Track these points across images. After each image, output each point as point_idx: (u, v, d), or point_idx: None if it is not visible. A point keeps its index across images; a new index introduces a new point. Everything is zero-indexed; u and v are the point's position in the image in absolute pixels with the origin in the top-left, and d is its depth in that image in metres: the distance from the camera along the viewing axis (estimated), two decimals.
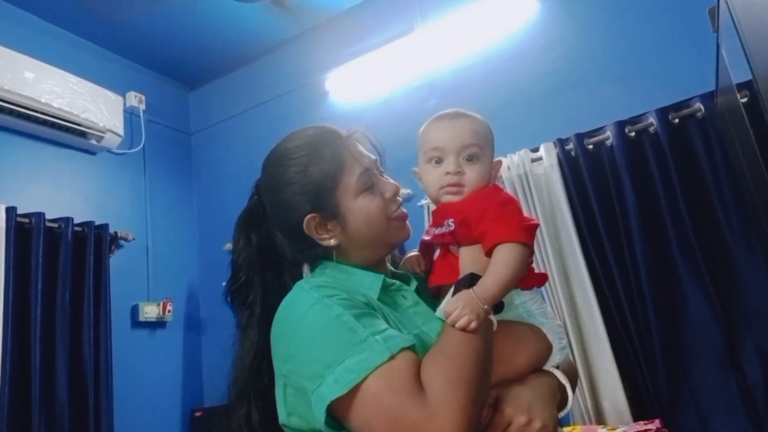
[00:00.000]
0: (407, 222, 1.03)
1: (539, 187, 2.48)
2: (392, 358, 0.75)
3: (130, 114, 3.22)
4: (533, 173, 2.49)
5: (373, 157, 1.04)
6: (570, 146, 2.43)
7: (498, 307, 0.87)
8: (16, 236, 2.44)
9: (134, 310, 3.00)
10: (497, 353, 0.83)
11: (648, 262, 2.20)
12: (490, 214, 0.90)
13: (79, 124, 2.82)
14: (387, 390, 0.73)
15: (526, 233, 0.88)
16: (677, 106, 2.25)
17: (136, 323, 3.00)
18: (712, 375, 2.06)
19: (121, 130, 3.03)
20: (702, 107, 2.18)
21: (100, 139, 2.95)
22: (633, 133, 2.31)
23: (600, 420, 2.19)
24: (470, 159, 0.96)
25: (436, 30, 2.94)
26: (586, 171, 2.37)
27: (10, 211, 2.45)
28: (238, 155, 3.53)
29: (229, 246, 3.24)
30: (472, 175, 0.96)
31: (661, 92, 2.32)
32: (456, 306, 0.80)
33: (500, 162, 1.03)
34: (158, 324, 3.11)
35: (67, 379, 2.47)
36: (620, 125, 2.33)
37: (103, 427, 2.54)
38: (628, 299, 2.23)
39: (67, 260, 2.62)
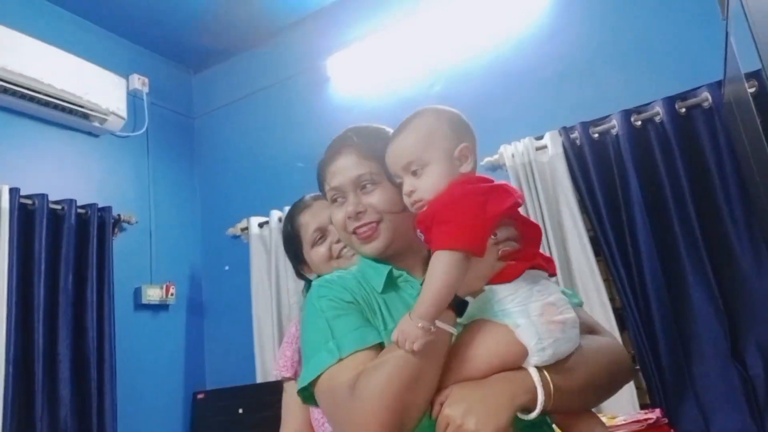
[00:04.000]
0: (372, 235, 1.02)
1: (543, 175, 2.46)
2: (340, 360, 0.88)
3: (133, 97, 3.21)
4: (537, 162, 2.48)
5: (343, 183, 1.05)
6: (575, 135, 2.41)
7: (460, 307, 0.89)
8: (19, 217, 2.45)
9: (137, 293, 3.01)
10: (459, 352, 0.88)
11: (652, 253, 2.20)
12: (435, 219, 0.88)
13: (81, 106, 2.81)
14: (329, 388, 0.89)
15: (456, 238, 0.84)
16: (684, 96, 2.23)
17: (139, 306, 3.01)
18: (714, 366, 2.07)
19: (124, 113, 3.02)
20: (709, 97, 2.16)
21: (103, 121, 2.94)
22: (639, 123, 2.29)
23: (600, 409, 2.20)
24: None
25: (441, 15, 2.91)
26: (591, 160, 2.36)
27: (14, 192, 2.45)
28: (240, 140, 3.52)
29: (232, 231, 3.27)
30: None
31: (668, 81, 2.30)
32: (398, 332, 0.84)
33: (465, 146, 0.95)
34: (161, 307, 3.12)
35: (70, 361, 2.49)
36: (626, 114, 2.31)
37: (107, 409, 2.56)
38: (631, 289, 2.23)
39: (70, 242, 2.63)
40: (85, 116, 2.87)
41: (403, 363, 0.83)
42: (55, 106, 2.73)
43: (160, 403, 2.97)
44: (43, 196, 2.56)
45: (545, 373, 0.86)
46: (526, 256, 0.92)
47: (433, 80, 2.90)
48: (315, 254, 1.49)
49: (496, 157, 2.58)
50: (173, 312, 3.18)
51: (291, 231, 1.55)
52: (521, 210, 0.98)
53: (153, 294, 3.04)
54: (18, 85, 2.54)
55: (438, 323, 0.84)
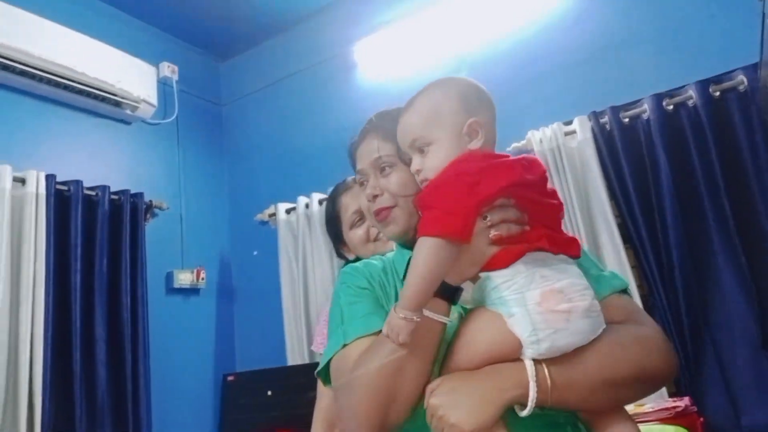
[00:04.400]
0: (388, 218, 1.01)
1: (572, 161, 2.44)
2: (345, 346, 0.91)
3: (163, 84, 3.26)
4: (566, 147, 2.45)
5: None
6: (605, 119, 2.38)
7: (453, 295, 0.85)
8: (56, 203, 2.52)
9: (169, 277, 3.08)
10: (453, 342, 0.85)
11: (681, 240, 2.17)
12: (422, 203, 0.86)
13: (114, 94, 2.86)
14: (333, 373, 0.94)
15: (436, 224, 0.81)
16: (718, 79, 2.17)
17: (171, 290, 3.08)
18: (744, 355, 2.04)
19: (154, 101, 3.07)
20: (745, 80, 2.10)
21: (134, 109, 3.00)
22: (671, 107, 2.25)
23: None
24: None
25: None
26: (621, 145, 2.33)
27: (50, 178, 2.52)
28: (267, 126, 3.55)
29: (260, 216, 3.32)
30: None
31: (702, 64, 2.24)
32: (385, 324, 0.84)
33: (474, 121, 0.90)
34: (192, 291, 3.19)
35: (105, 343, 2.57)
36: (658, 98, 2.26)
37: (141, 388, 2.64)
38: (660, 275, 2.20)
39: (104, 228, 2.69)
40: (118, 104, 2.93)
41: (387, 354, 0.83)
42: (89, 95, 2.79)
43: (192, 384, 3.05)
44: (78, 183, 2.63)
45: (543, 366, 0.79)
46: (529, 238, 0.84)
47: (460, 65, 2.87)
48: (353, 236, 1.53)
49: (523, 142, 2.55)
50: (204, 296, 3.25)
51: (332, 211, 1.59)
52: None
53: (184, 278, 3.11)
54: (54, 74, 2.60)
55: (426, 312, 0.82)
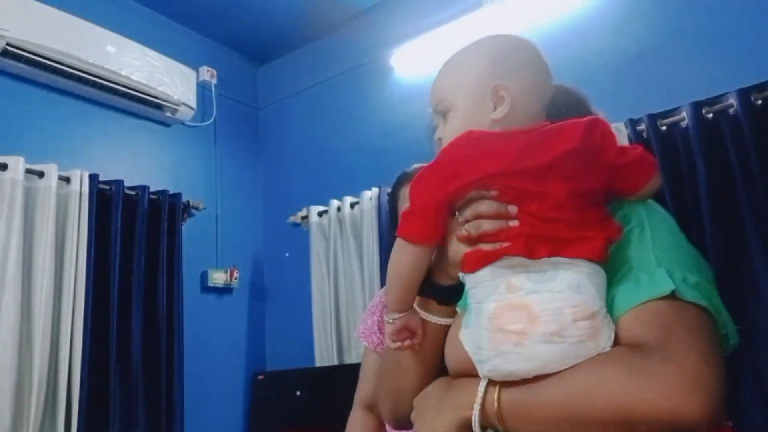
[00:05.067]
0: None
1: None
2: None
3: (202, 88, 3.34)
4: None
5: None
6: (642, 127, 2.34)
7: (444, 295, 0.80)
8: (98, 202, 2.60)
9: (203, 276, 3.15)
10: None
11: (719, 250, 2.11)
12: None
13: (155, 97, 2.95)
14: None
15: (402, 223, 0.76)
16: (761, 87, 2.12)
17: (205, 288, 3.15)
18: None
19: (194, 104, 3.15)
20: None
21: (174, 111, 3.08)
22: (710, 115, 2.20)
23: None
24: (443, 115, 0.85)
25: (505, 7, 2.86)
26: (659, 153, 2.28)
27: (93, 178, 2.60)
28: (302, 130, 3.60)
29: (293, 219, 3.37)
30: (443, 136, 0.83)
31: (743, 71, 2.19)
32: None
33: (499, 85, 0.77)
34: (225, 290, 3.26)
35: (141, 338, 2.64)
36: (697, 106, 2.22)
37: (174, 383, 2.71)
38: None
39: (143, 226, 2.77)
40: (159, 107, 3.01)
41: (385, 354, 0.92)
42: (132, 97, 2.88)
43: (223, 381, 3.11)
44: (119, 182, 2.71)
45: (496, 389, 0.70)
46: (510, 236, 0.70)
47: None
48: None
49: None
50: (237, 295, 3.32)
51: (391, 201, 1.59)
52: None
53: (218, 277, 3.18)
54: (99, 77, 2.70)
55: (419, 312, 0.80)
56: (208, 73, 3.38)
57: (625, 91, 2.50)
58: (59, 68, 2.56)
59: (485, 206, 0.72)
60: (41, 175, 2.45)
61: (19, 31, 2.37)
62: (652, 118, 2.31)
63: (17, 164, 2.35)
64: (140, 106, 2.95)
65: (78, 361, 2.36)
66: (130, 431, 2.51)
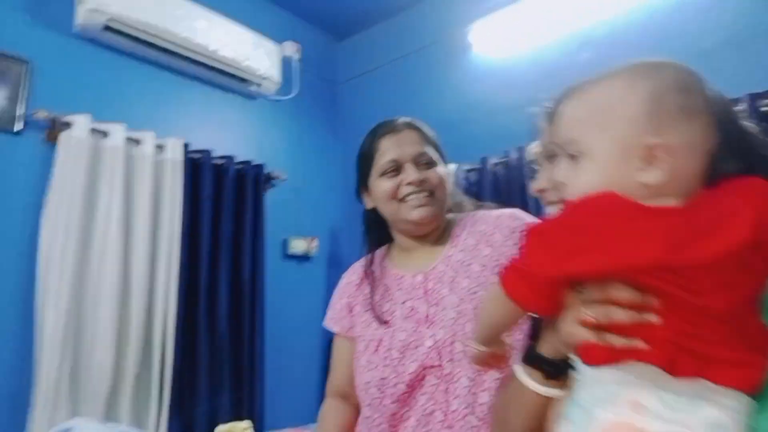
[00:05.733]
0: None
1: None
2: None
3: (285, 62, 3.43)
4: None
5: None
6: (742, 107, 2.19)
7: (547, 366, 0.72)
8: (189, 169, 2.75)
9: (284, 244, 3.29)
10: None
11: None
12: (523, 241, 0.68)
13: (242, 71, 3.07)
14: None
15: (508, 275, 0.65)
16: None
17: (286, 255, 3.29)
18: None
19: (277, 78, 3.25)
20: None
21: (259, 85, 3.19)
22: None
23: None
24: None
25: None
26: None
27: (185, 146, 2.76)
28: (380, 105, 3.62)
29: None
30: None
31: None
32: None
33: (657, 145, 0.61)
34: (304, 258, 3.38)
35: (227, 298, 2.80)
36: None
37: (257, 342, 2.87)
38: None
39: (229, 194, 2.91)
40: (244, 80, 3.13)
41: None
42: (220, 71, 3.00)
43: (301, 342, 3.25)
44: (208, 152, 2.86)
45: None
46: (649, 338, 0.56)
47: (580, 46, 2.74)
48: (379, 185, 1.35)
49: None
50: (315, 263, 3.44)
51: (368, 150, 1.39)
52: None
53: (298, 245, 3.30)
54: (192, 50, 2.83)
55: (516, 370, 0.76)
56: (291, 48, 3.47)
57: (722, 70, 2.29)
58: (156, 43, 2.71)
59: (623, 292, 0.58)
60: (138, 142, 2.61)
61: (120, 7, 2.53)
62: (752, 98, 2.15)
63: (118, 131, 2.52)
64: (228, 79, 3.08)
65: (171, 316, 2.54)
66: (217, 384, 2.68)
